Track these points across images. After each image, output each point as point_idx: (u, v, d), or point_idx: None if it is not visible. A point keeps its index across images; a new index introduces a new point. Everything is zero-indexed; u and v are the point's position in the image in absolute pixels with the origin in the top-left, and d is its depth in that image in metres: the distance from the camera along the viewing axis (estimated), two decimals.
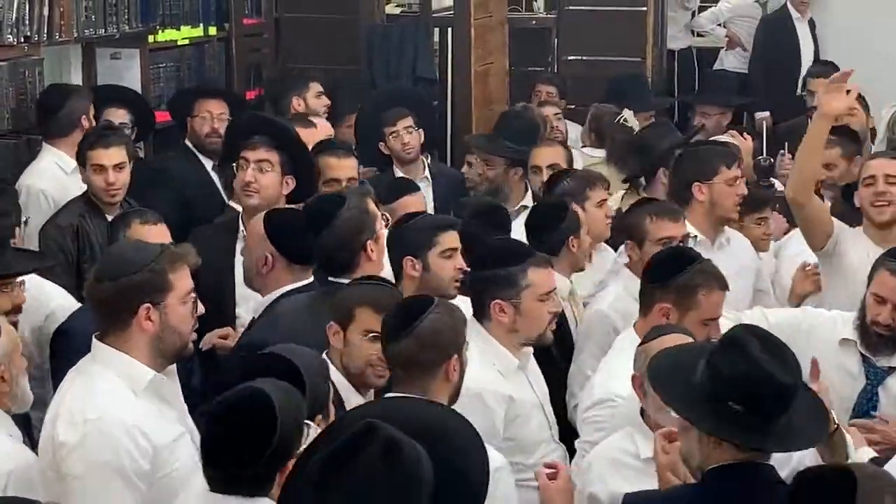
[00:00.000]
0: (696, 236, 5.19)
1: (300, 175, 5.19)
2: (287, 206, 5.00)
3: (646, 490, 3.39)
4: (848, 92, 5.00)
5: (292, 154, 5.17)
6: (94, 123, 5.97)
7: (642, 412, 3.75)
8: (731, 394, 3.05)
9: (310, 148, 5.53)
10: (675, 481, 3.34)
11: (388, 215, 4.84)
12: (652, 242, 4.87)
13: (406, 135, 6.48)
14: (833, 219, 5.25)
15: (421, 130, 6.58)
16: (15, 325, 4.11)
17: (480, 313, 4.35)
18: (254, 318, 4.53)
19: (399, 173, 6.52)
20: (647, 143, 6.40)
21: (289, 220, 4.60)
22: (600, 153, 6.97)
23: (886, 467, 3.20)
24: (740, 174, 5.36)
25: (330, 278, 4.41)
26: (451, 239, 4.68)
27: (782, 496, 2.91)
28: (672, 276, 4.26)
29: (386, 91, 7.59)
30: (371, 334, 3.90)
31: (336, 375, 3.84)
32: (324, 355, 3.91)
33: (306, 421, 3.02)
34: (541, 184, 6.02)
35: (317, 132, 6.05)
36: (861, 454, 3.63)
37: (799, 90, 8.34)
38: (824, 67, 8.33)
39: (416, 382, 3.57)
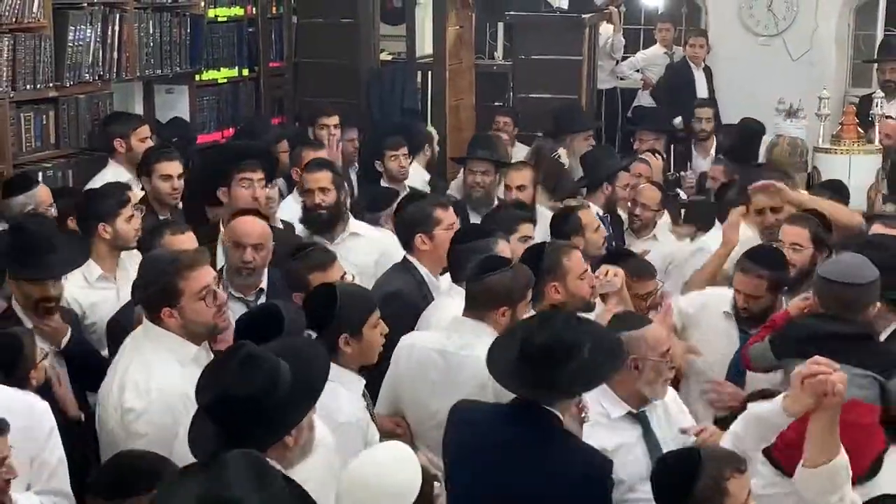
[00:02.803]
0: None
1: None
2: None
3: (473, 400, 3.47)
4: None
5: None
6: (131, 148, 5.77)
7: None
8: (531, 355, 3.21)
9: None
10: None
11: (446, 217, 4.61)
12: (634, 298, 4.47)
13: (403, 159, 6.38)
14: None
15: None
16: (52, 309, 4.01)
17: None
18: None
19: None
20: (596, 160, 6.22)
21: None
22: None
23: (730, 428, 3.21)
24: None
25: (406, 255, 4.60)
26: (527, 228, 4.86)
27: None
28: (538, 265, 4.05)
29: (392, 124, 7.42)
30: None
31: None
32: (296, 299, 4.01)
33: None
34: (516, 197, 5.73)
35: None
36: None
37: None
38: (703, 101, 8.43)
39: (476, 313, 3.78)
